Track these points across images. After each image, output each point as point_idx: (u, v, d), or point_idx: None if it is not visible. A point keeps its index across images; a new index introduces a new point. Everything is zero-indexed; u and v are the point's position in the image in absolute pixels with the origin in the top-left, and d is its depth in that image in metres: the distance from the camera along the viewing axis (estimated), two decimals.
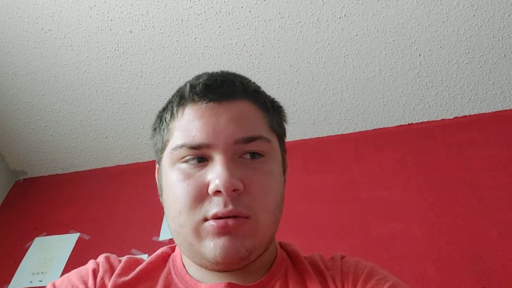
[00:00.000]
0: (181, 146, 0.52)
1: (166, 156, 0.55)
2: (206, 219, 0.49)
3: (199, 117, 0.53)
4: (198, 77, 0.57)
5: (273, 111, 0.59)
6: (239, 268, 0.52)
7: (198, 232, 0.50)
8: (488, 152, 1.53)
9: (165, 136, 0.56)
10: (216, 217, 0.49)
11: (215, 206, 0.49)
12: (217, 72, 0.58)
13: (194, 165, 0.52)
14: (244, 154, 0.52)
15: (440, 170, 1.51)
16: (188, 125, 0.53)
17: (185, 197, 0.50)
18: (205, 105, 0.53)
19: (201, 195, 0.50)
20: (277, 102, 0.62)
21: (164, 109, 0.59)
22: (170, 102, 0.58)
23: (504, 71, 1.60)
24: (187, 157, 0.52)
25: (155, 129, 0.60)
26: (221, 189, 0.48)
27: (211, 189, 0.49)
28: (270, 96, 0.61)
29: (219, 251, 0.48)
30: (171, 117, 0.56)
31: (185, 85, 0.56)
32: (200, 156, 0.52)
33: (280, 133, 0.60)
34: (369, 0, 1.47)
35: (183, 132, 0.53)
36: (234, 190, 0.49)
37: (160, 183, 0.58)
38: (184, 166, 0.52)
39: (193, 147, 0.51)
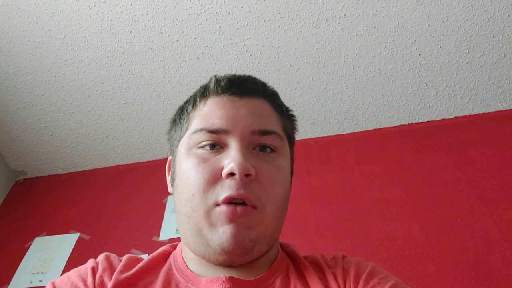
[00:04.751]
0: (200, 130, 0.55)
1: (183, 143, 0.57)
2: (217, 204, 0.51)
3: (220, 107, 0.56)
4: (223, 75, 0.61)
5: (287, 116, 0.63)
6: (241, 263, 0.52)
7: (209, 217, 0.51)
8: (488, 152, 1.53)
9: (185, 124, 0.59)
10: (228, 200, 0.50)
11: (227, 189, 0.51)
12: (241, 74, 0.62)
13: (209, 151, 0.54)
14: (258, 146, 0.55)
15: (440, 170, 1.51)
16: (208, 113, 0.56)
17: (200, 180, 0.52)
18: (227, 97, 0.57)
19: (214, 178, 0.52)
20: (291, 110, 0.66)
21: (187, 101, 0.62)
22: (193, 94, 0.62)
23: (504, 71, 1.60)
24: (204, 142, 0.54)
25: (174, 120, 0.63)
26: (235, 171, 0.50)
27: (225, 171, 0.51)
28: (285, 104, 0.65)
29: (226, 238, 0.50)
30: (192, 107, 0.59)
31: (210, 79, 0.60)
32: (216, 142, 0.54)
33: (291, 138, 0.63)
34: (369, 0, 1.47)
35: (203, 119, 0.56)
36: (246, 175, 0.51)
37: (172, 170, 0.60)
38: (200, 151, 0.55)
39: (212, 131, 0.54)
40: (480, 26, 1.51)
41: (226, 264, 0.53)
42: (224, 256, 0.51)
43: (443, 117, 1.72)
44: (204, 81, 0.62)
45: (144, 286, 0.54)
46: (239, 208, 0.50)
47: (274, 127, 0.57)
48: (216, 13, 1.51)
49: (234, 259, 0.51)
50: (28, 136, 1.83)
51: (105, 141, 1.84)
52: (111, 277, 0.55)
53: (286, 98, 1.66)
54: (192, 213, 0.52)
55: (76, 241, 1.58)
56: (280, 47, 1.58)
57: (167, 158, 0.65)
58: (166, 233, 1.54)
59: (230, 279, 0.52)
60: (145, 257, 0.60)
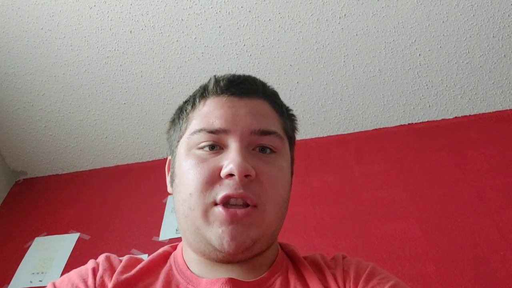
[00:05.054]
0: (200, 130, 0.54)
1: (182, 143, 0.57)
2: (215, 203, 0.51)
3: (220, 107, 0.56)
4: (222, 75, 0.61)
5: (287, 116, 0.62)
6: (241, 260, 0.52)
7: (207, 216, 0.51)
8: (488, 152, 1.53)
9: (184, 124, 0.59)
10: (226, 199, 0.50)
11: (225, 188, 0.50)
12: (240, 74, 0.62)
13: (208, 152, 0.54)
14: (257, 147, 0.55)
15: (440, 170, 1.51)
16: (208, 114, 0.56)
17: (198, 180, 0.52)
18: (226, 98, 0.57)
19: (213, 178, 0.52)
20: (291, 110, 0.65)
21: (186, 102, 0.62)
22: (192, 95, 0.61)
23: (504, 71, 1.60)
24: (203, 143, 0.54)
25: (173, 120, 0.63)
26: (235, 173, 0.50)
27: (224, 172, 0.51)
28: (285, 104, 0.64)
29: (226, 239, 0.49)
30: (192, 107, 0.59)
31: (210, 79, 0.60)
32: (216, 143, 0.54)
33: (291, 138, 0.63)
34: (369, 0, 1.47)
35: (202, 119, 0.56)
36: (246, 176, 0.50)
37: (172, 170, 0.60)
38: (199, 152, 0.54)
39: (211, 131, 0.54)
40: (480, 26, 1.51)
41: (226, 260, 0.53)
42: (224, 253, 0.51)
43: (443, 117, 1.72)
44: (204, 81, 0.62)
45: (144, 287, 0.54)
46: (239, 211, 0.50)
47: (274, 127, 0.56)
48: (216, 13, 1.51)
49: (234, 256, 0.51)
50: (28, 136, 1.83)
51: (105, 141, 1.84)
52: (112, 278, 0.55)
53: (286, 98, 1.66)
54: (190, 212, 0.52)
55: (76, 241, 1.58)
56: (280, 47, 1.58)
57: (166, 158, 0.65)
58: (166, 233, 1.54)
59: (230, 280, 0.52)
60: (145, 257, 0.60)
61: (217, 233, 0.50)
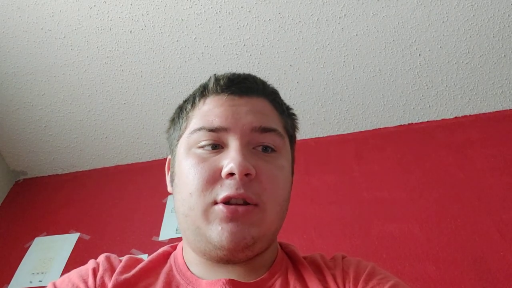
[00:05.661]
0: (200, 129, 0.54)
1: (182, 142, 0.57)
2: (215, 203, 0.50)
3: (220, 106, 0.55)
4: (222, 74, 0.61)
5: (287, 115, 0.62)
6: (241, 259, 0.52)
7: (207, 215, 0.51)
8: (488, 152, 1.53)
9: (184, 123, 0.58)
10: (227, 199, 0.50)
11: (226, 189, 0.50)
12: (240, 73, 0.62)
13: (209, 151, 0.53)
14: (258, 145, 0.54)
15: (440, 170, 1.51)
16: (208, 112, 0.55)
17: (198, 180, 0.51)
18: (226, 96, 0.56)
19: (213, 178, 0.51)
20: (292, 109, 0.65)
21: (186, 101, 0.62)
22: (192, 94, 0.61)
23: (504, 71, 1.60)
24: (203, 142, 0.54)
25: (173, 120, 0.63)
26: (235, 171, 0.49)
27: (224, 172, 0.50)
28: (286, 103, 0.64)
29: (226, 235, 0.49)
30: (192, 106, 0.59)
31: (210, 78, 0.60)
32: (216, 141, 0.53)
33: (292, 137, 0.62)
34: (369, 0, 1.47)
35: (202, 118, 0.55)
36: (246, 175, 0.50)
37: (172, 170, 0.59)
38: (199, 151, 0.54)
39: (211, 130, 0.53)
40: (480, 26, 1.51)
41: (226, 259, 0.52)
42: (224, 251, 0.50)
43: (443, 117, 1.72)
44: (204, 81, 0.61)
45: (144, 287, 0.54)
46: (240, 208, 0.50)
47: (275, 125, 0.56)
48: (216, 13, 1.51)
49: (234, 254, 0.51)
50: (28, 136, 1.83)
51: (105, 141, 1.84)
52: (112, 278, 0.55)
53: (286, 98, 1.65)
54: (190, 212, 0.52)
55: (76, 241, 1.58)
56: (280, 47, 1.58)
57: (167, 158, 0.65)
58: (166, 233, 1.54)
59: (230, 282, 0.52)
60: (145, 257, 0.60)
61: (217, 230, 0.49)
